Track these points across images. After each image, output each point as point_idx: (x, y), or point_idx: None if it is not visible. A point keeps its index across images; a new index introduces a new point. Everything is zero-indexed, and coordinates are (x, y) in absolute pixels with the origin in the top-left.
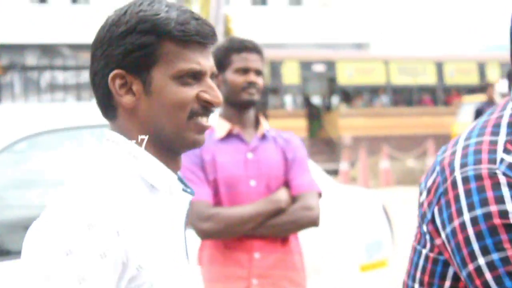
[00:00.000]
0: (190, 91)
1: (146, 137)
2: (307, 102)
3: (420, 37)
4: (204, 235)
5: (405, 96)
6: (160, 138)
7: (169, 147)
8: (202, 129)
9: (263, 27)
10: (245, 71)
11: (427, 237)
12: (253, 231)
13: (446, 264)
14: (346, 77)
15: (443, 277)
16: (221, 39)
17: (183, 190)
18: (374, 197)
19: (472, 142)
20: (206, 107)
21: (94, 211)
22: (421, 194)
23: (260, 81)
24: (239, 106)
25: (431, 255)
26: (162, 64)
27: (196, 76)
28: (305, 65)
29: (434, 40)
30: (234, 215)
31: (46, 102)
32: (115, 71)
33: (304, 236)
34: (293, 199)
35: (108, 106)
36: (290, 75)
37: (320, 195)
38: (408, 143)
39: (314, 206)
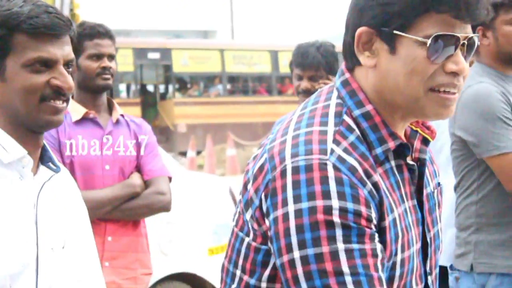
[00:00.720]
0: (41, 78)
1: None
2: (142, 90)
3: (271, 26)
4: None
5: (241, 85)
6: (17, 119)
7: (27, 127)
8: (55, 110)
9: (110, 13)
10: (98, 57)
11: (250, 225)
12: (107, 214)
13: (268, 254)
14: (181, 65)
15: (264, 266)
16: None
17: (47, 166)
18: (221, 182)
19: (302, 132)
20: (58, 91)
21: None
22: (247, 180)
23: (113, 65)
24: (94, 91)
25: (253, 244)
26: (15, 54)
27: (48, 63)
28: (140, 53)
29: (279, 29)
30: (92, 199)
31: None
32: None
33: (153, 220)
34: (145, 183)
35: None
36: (124, 63)
37: (170, 179)
38: (255, 131)
39: (166, 191)
